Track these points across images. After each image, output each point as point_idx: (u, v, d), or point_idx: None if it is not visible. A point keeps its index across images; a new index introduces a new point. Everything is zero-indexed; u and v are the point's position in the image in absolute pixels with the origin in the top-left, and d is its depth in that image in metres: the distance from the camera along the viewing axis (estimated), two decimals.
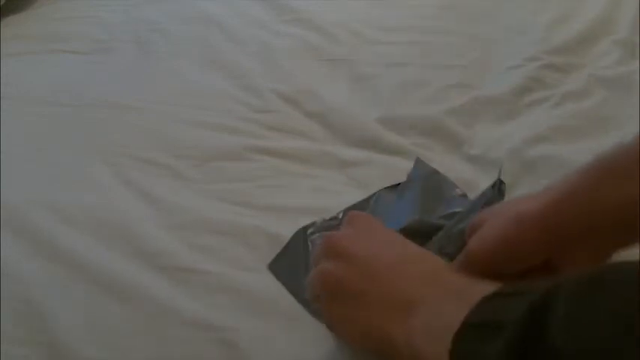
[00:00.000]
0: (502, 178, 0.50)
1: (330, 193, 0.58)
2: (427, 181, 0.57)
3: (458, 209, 0.51)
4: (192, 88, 0.76)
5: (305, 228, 0.52)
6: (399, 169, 0.60)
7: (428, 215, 0.52)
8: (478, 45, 0.82)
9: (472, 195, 0.54)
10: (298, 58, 0.81)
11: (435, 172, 0.59)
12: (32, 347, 0.45)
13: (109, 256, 0.52)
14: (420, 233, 0.48)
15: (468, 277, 0.36)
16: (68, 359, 0.44)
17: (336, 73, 0.78)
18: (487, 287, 0.31)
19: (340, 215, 0.54)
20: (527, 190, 0.57)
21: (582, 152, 0.59)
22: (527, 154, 0.60)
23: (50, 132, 0.68)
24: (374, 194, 0.57)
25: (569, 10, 0.90)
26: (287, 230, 0.53)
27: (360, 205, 0.55)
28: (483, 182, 0.54)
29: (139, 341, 0.45)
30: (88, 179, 0.61)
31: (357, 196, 0.57)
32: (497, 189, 0.50)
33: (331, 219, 0.53)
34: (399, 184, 0.58)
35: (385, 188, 0.57)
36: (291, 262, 0.50)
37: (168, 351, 0.44)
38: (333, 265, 0.40)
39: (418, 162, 0.60)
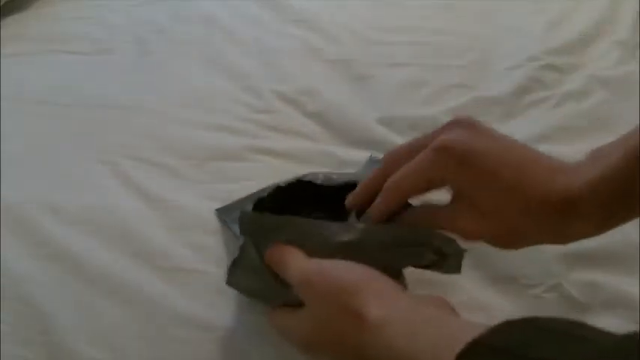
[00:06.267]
0: None
1: None
2: None
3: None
4: (193, 88, 0.75)
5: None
6: None
7: None
8: (478, 45, 0.82)
9: None
10: (298, 59, 0.81)
11: None
12: (32, 347, 0.45)
13: (108, 256, 0.52)
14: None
15: None
16: (68, 359, 0.44)
17: (336, 73, 0.78)
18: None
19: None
20: None
21: (582, 152, 0.59)
22: None
23: (50, 132, 0.68)
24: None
25: (568, 11, 0.90)
26: None
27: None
28: None
29: (138, 341, 0.45)
30: (88, 179, 0.61)
31: None
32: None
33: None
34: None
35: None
36: (245, 268, 0.43)
37: (167, 351, 0.44)
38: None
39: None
